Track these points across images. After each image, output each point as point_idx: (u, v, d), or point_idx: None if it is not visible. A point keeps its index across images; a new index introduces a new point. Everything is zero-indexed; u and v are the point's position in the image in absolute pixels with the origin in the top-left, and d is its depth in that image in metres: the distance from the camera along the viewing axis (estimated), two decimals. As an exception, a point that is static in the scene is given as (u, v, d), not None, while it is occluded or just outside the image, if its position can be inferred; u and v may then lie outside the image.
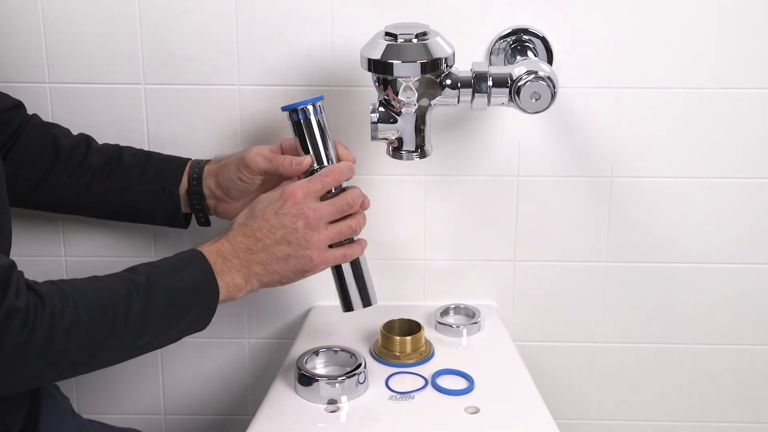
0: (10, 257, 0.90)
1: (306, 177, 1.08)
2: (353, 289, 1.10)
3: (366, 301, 1.11)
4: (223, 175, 1.15)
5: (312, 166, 1.08)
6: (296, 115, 1.08)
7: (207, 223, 1.20)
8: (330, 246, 1.05)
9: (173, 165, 1.18)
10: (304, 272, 1.04)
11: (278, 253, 1.02)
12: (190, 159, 1.19)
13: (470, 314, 1.27)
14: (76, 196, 1.18)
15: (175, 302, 0.96)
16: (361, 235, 1.10)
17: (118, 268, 1.31)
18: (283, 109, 1.09)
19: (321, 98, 1.09)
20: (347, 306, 1.11)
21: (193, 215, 1.20)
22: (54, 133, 1.20)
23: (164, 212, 1.18)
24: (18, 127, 1.18)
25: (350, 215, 1.07)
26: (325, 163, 1.08)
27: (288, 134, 1.10)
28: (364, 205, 1.09)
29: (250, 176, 1.12)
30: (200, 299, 0.98)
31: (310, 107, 1.08)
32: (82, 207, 1.20)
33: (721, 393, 1.37)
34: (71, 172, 1.18)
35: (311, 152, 1.08)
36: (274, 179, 1.13)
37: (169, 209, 1.18)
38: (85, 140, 1.21)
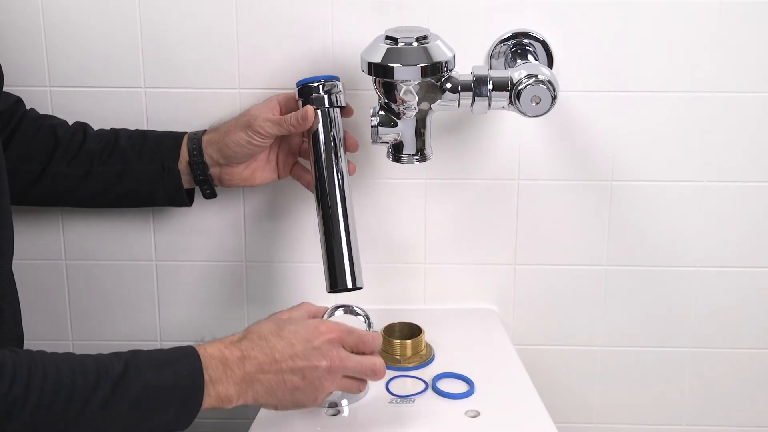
0: (13, 258, 0.88)
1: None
2: (341, 265, 1.10)
3: (353, 281, 1.10)
4: (228, 141, 1.15)
5: (315, 123, 1.13)
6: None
7: (213, 195, 1.20)
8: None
9: (170, 142, 1.18)
10: (302, 407, 1.00)
11: (288, 382, 0.96)
12: (186, 132, 1.19)
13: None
14: (76, 185, 1.17)
15: (147, 400, 0.89)
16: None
17: (118, 268, 1.30)
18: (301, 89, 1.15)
19: (337, 79, 1.15)
20: (333, 284, 1.10)
21: (198, 189, 1.20)
22: (51, 123, 1.19)
23: (166, 191, 1.18)
24: (18, 122, 1.17)
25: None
26: (335, 173, 1.12)
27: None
28: (378, 375, 1.02)
29: (261, 140, 1.15)
30: (177, 401, 0.91)
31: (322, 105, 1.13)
32: (82, 196, 1.19)
33: (721, 396, 1.37)
34: (69, 161, 1.17)
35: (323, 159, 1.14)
36: (280, 138, 1.18)
37: (171, 187, 1.18)
38: (82, 128, 1.20)
